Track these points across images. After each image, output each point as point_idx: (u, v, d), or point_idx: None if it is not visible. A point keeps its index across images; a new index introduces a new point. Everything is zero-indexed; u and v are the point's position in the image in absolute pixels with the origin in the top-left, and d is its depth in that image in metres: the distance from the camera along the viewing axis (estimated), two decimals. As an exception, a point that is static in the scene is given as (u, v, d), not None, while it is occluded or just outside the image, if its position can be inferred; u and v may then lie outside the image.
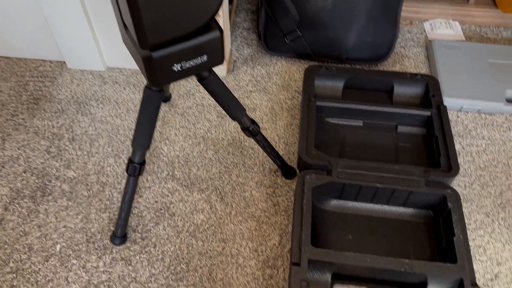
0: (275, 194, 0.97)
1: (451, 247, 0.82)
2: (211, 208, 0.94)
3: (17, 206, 0.94)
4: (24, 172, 0.99)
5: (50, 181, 0.98)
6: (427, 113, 1.02)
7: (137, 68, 1.20)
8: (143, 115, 0.77)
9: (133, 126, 1.08)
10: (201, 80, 0.77)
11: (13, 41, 1.17)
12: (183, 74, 0.69)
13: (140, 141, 0.79)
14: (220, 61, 0.71)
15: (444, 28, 1.30)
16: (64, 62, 1.21)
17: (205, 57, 0.68)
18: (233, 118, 0.86)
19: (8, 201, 0.95)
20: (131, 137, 1.06)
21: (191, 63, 0.68)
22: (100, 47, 1.15)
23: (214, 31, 0.66)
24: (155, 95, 0.74)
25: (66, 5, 1.03)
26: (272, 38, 1.21)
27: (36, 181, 0.98)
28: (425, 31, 1.31)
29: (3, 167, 1.00)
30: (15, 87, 1.15)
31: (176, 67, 0.67)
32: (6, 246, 0.89)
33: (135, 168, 0.82)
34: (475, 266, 0.87)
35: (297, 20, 1.14)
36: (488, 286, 0.85)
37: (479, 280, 0.85)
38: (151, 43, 0.61)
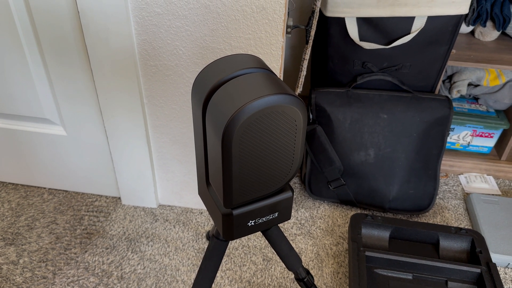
0: None
1: None
2: None
3: None
4: (70, 311, 0.98)
5: (95, 322, 0.96)
6: (477, 270, 1.02)
7: (187, 206, 1.26)
8: (207, 264, 0.79)
9: (180, 267, 1.09)
10: (264, 231, 0.80)
11: (75, 176, 1.25)
12: (255, 228, 0.73)
13: (201, 290, 0.80)
14: (288, 217, 0.75)
15: (479, 182, 1.36)
16: (119, 198, 1.28)
17: (276, 214, 0.73)
18: (289, 269, 0.87)
19: None
20: (177, 277, 1.06)
21: (264, 219, 0.72)
22: (157, 186, 1.22)
23: (288, 191, 0.72)
24: (222, 245, 0.77)
25: (134, 146, 1.13)
26: (316, 183, 1.28)
27: (81, 321, 0.96)
28: (461, 183, 1.37)
29: (50, 303, 1.00)
30: (70, 221, 1.20)
31: (251, 222, 0.71)
32: None
33: (192, 317, 0.80)
34: None
35: (342, 170, 1.22)
36: None
37: None
38: (235, 204, 0.66)
